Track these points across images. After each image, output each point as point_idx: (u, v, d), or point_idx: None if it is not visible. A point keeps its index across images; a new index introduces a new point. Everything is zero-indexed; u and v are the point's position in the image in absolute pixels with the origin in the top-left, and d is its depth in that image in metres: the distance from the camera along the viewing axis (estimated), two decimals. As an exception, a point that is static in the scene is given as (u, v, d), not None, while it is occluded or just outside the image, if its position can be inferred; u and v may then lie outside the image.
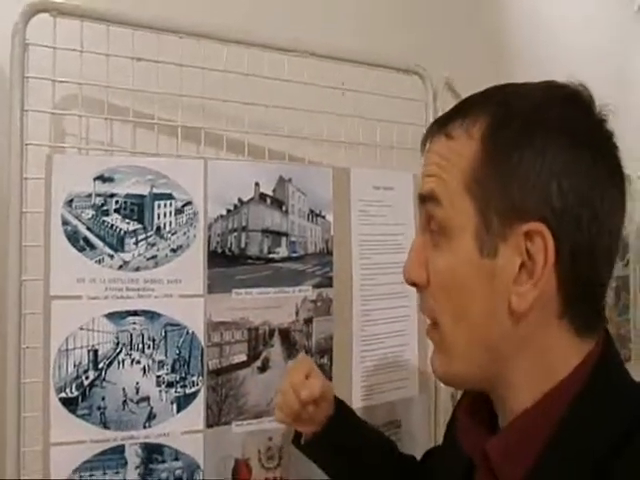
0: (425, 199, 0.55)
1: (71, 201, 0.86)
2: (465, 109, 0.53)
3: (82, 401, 0.86)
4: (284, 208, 1.02)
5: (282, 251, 1.02)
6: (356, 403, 1.08)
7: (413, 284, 0.57)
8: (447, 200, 0.52)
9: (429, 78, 1.21)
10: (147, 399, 0.89)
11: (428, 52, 1.29)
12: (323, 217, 1.06)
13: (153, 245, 0.90)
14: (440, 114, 0.58)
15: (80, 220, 0.86)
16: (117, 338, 0.88)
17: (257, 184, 0.99)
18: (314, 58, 1.07)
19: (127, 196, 0.89)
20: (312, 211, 1.05)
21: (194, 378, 0.92)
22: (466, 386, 0.58)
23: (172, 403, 0.91)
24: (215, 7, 1.13)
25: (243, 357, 0.97)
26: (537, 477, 0.50)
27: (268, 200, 1.00)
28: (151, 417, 0.89)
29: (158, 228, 0.90)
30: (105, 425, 0.87)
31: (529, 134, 0.49)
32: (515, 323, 0.51)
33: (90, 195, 0.87)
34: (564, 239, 0.49)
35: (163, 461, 0.90)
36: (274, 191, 1.01)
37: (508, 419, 0.54)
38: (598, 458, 0.47)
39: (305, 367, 0.85)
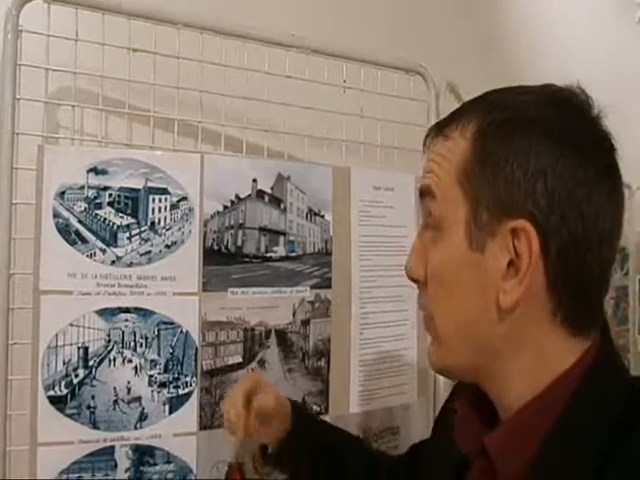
0: (423, 194, 0.57)
1: (63, 193, 0.84)
2: (461, 113, 0.56)
3: (71, 400, 0.84)
4: (282, 206, 1.00)
5: (280, 250, 1.00)
6: (353, 408, 1.06)
7: (413, 280, 0.59)
8: (441, 194, 0.55)
9: (431, 78, 1.20)
10: (139, 399, 0.87)
11: (431, 52, 1.27)
12: (322, 217, 1.04)
13: (147, 240, 0.88)
14: (442, 115, 0.62)
15: (72, 213, 0.84)
16: (108, 335, 0.86)
17: (255, 180, 0.97)
18: (316, 55, 1.06)
19: (121, 189, 0.87)
20: (311, 210, 1.03)
21: (187, 379, 0.90)
22: (459, 378, 0.61)
23: (164, 404, 0.89)
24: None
25: (238, 358, 0.95)
26: (536, 471, 0.50)
27: (266, 197, 0.98)
28: (142, 418, 0.87)
29: (152, 223, 0.88)
30: (95, 425, 0.85)
31: (515, 134, 0.51)
32: (502, 319, 0.52)
33: (83, 187, 0.85)
34: (550, 237, 0.50)
35: (154, 464, 0.88)
36: (272, 188, 0.99)
37: (506, 414, 0.54)
38: (596, 455, 0.47)
39: (250, 382, 0.77)
